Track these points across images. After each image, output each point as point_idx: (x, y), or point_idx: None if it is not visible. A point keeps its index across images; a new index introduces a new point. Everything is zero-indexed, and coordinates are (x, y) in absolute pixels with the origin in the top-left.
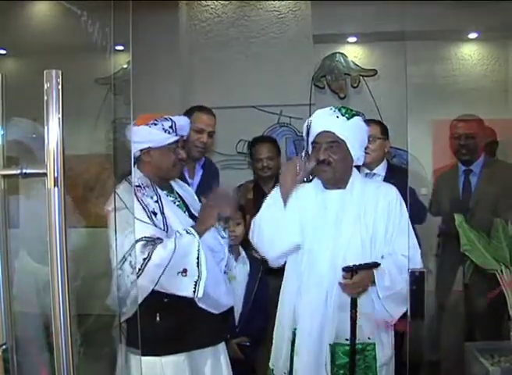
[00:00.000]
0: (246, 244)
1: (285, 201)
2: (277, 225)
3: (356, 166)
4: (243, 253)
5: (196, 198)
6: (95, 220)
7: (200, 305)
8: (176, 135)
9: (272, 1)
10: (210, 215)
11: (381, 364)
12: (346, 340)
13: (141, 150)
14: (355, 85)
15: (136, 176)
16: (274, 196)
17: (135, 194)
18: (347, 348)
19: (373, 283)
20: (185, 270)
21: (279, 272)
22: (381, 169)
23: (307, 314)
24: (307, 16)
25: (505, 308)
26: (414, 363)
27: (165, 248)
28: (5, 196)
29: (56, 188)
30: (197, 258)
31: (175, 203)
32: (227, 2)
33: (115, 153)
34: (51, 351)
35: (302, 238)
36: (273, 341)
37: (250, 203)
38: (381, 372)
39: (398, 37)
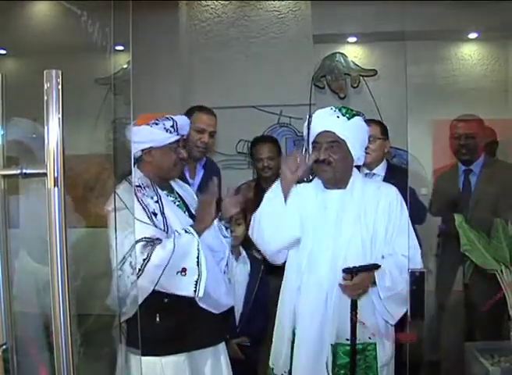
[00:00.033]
0: (246, 244)
1: (285, 195)
2: (277, 218)
3: (356, 166)
4: (243, 253)
5: (195, 197)
6: (95, 220)
7: (201, 304)
8: (178, 134)
9: (272, 1)
10: (207, 213)
11: (382, 364)
12: (347, 340)
13: (143, 150)
14: (355, 85)
15: (137, 176)
16: (274, 190)
17: (135, 194)
18: (348, 348)
19: (373, 284)
20: (184, 269)
21: (280, 272)
22: (380, 169)
23: (307, 314)
24: (307, 16)
25: (505, 308)
26: (414, 363)
27: (164, 248)
28: (5, 196)
29: (56, 188)
30: (197, 257)
31: (175, 203)
32: (227, 2)
33: (115, 153)
34: (51, 351)
35: (302, 234)
36: (273, 341)
37: (250, 203)
38: (382, 372)
39: (398, 37)
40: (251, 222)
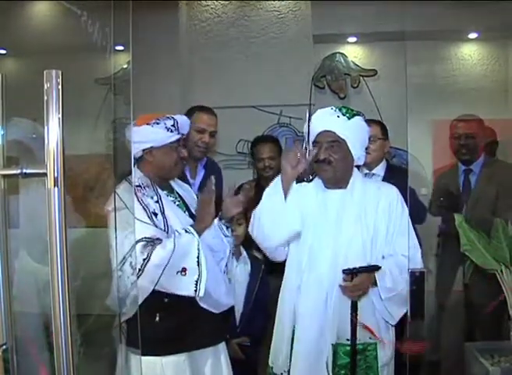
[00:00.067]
0: (247, 244)
1: (285, 191)
2: (277, 214)
3: (356, 166)
4: (244, 253)
5: (195, 197)
6: (95, 220)
7: (201, 304)
8: (178, 133)
9: (272, 1)
10: (207, 212)
11: (382, 364)
12: (348, 340)
13: (143, 150)
14: (355, 85)
15: (137, 176)
16: (274, 186)
17: (135, 194)
18: (348, 348)
19: (373, 285)
20: (184, 269)
21: (280, 272)
22: (380, 170)
23: (307, 313)
24: (307, 16)
25: (505, 308)
26: (414, 363)
27: (164, 248)
28: (5, 196)
29: (56, 188)
30: (197, 257)
31: (175, 203)
32: (227, 2)
33: (115, 153)
34: (51, 351)
35: (302, 231)
36: (273, 340)
37: (251, 203)
38: (382, 372)
39: (398, 37)
40: (251, 219)
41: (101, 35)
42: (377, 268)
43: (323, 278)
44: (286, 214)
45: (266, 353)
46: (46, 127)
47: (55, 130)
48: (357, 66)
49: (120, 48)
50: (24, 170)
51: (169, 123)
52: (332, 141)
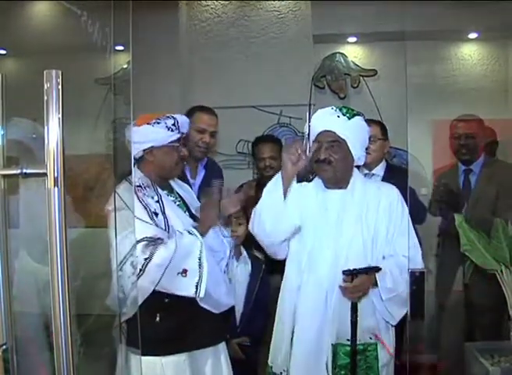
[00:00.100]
0: (248, 244)
1: (285, 188)
2: (277, 209)
3: (355, 166)
4: (244, 253)
5: (195, 197)
6: (95, 220)
7: (202, 304)
8: (179, 132)
9: (272, 1)
10: (210, 215)
11: (382, 364)
12: (348, 340)
13: (144, 150)
14: (355, 85)
15: (137, 176)
16: (274, 183)
17: (136, 194)
18: (348, 348)
19: (374, 285)
20: (185, 271)
21: (281, 272)
22: (379, 170)
23: (307, 313)
24: (307, 16)
25: (505, 308)
26: (414, 363)
27: (166, 248)
28: (5, 196)
29: (56, 188)
30: (199, 259)
31: (175, 203)
32: (227, 2)
33: (115, 153)
34: (51, 351)
35: (302, 227)
36: (272, 339)
37: (252, 202)
38: (381, 372)
39: (398, 37)
40: (252, 216)
41: (101, 35)
42: (377, 269)
43: (323, 278)
44: (286, 209)
45: (266, 353)
46: (46, 127)
47: (55, 130)
48: (357, 66)
49: (120, 48)
50: (24, 170)
51: (170, 122)
52: (332, 141)
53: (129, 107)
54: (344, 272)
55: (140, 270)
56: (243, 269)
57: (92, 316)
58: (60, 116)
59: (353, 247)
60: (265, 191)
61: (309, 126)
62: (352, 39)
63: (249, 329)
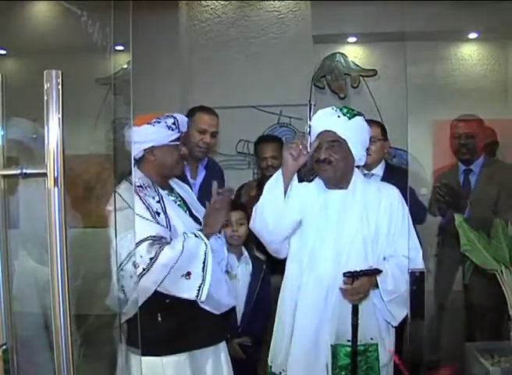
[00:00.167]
0: (249, 244)
1: (286, 184)
2: (278, 205)
3: (355, 167)
4: (245, 253)
5: (195, 198)
6: (95, 220)
7: (203, 306)
8: (179, 131)
9: (272, 1)
10: (217, 219)
11: (382, 364)
12: (348, 341)
13: (145, 149)
14: (355, 85)
15: (137, 176)
16: (274, 180)
17: (137, 194)
18: (349, 349)
19: (375, 286)
20: (189, 273)
21: (282, 272)
22: (379, 170)
23: (306, 310)
24: (307, 16)
25: (505, 308)
26: (414, 363)
27: (172, 248)
28: (5, 196)
29: (56, 188)
30: (203, 262)
31: (176, 203)
32: (227, 2)
33: (115, 153)
34: (52, 351)
35: (303, 225)
36: (272, 339)
37: (253, 202)
38: (381, 372)
39: (398, 37)
40: (253, 213)
41: (101, 35)
42: (378, 271)
43: (324, 276)
44: (287, 205)
45: (267, 353)
46: (46, 127)
47: (55, 130)
48: (357, 66)
49: (120, 48)
50: (24, 170)
51: (170, 121)
52: (332, 141)
53: (129, 107)
54: (345, 274)
55: (144, 269)
56: (244, 270)
57: (92, 316)
58: (60, 116)
59: (354, 246)
60: (266, 187)
61: (310, 125)
62: (352, 39)
63: (250, 329)
